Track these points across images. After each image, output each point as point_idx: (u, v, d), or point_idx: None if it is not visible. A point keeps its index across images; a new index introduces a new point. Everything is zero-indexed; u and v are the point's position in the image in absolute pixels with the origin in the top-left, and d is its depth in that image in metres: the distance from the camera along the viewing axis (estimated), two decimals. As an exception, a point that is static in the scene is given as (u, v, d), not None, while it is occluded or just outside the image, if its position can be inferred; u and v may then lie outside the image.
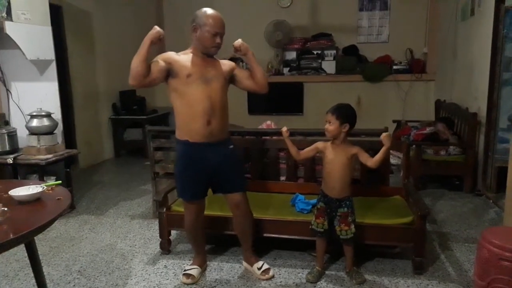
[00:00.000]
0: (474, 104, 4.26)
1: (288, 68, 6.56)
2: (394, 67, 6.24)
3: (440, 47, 5.86)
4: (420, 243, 2.50)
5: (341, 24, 6.45)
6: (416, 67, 6.16)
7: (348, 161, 2.34)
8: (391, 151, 3.14)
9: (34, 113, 3.53)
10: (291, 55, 6.60)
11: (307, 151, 2.46)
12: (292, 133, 3.39)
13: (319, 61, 6.45)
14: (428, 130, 4.45)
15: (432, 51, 6.10)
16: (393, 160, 3.84)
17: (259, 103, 6.56)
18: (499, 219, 3.37)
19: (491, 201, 3.80)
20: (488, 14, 3.94)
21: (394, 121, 5.60)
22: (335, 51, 6.41)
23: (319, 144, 2.42)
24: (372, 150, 3.07)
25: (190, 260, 2.77)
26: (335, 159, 2.34)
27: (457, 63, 4.97)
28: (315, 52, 6.48)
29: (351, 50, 6.41)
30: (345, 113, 2.31)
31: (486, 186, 3.99)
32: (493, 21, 3.85)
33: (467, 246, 2.92)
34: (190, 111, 2.26)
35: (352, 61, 6.35)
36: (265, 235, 2.68)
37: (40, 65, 3.72)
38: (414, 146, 4.11)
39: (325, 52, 6.44)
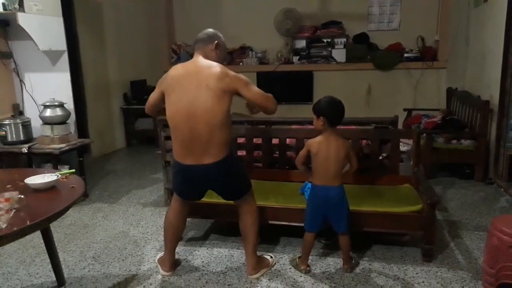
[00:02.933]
0: (486, 92, 4.21)
1: (298, 57, 6.52)
2: (405, 55, 6.16)
3: (452, 35, 5.76)
4: (429, 230, 2.50)
5: (351, 11, 6.38)
6: (427, 54, 6.08)
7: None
8: (401, 139, 3.14)
9: (47, 103, 3.59)
10: (301, 43, 6.55)
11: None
12: (301, 122, 3.42)
13: (329, 49, 6.39)
14: (436, 119, 4.42)
15: (444, 38, 6.00)
16: (403, 147, 3.82)
17: (269, 92, 6.49)
18: (510, 208, 3.36)
19: (502, 189, 3.78)
20: (502, 0, 3.87)
21: (405, 110, 5.56)
22: (345, 39, 6.35)
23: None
24: (380, 140, 3.11)
25: (201, 246, 2.83)
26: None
27: (469, 50, 4.90)
28: (325, 40, 6.43)
29: (362, 38, 6.34)
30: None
31: (497, 174, 3.96)
32: (506, 7, 3.77)
33: (477, 234, 2.92)
34: None
35: (362, 49, 6.29)
36: (275, 222, 2.71)
37: (52, 56, 3.77)
38: (424, 134, 4.09)
39: (335, 40, 6.38)
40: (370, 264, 2.56)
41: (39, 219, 1.70)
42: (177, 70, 2.26)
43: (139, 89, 6.05)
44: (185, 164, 2.22)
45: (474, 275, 2.41)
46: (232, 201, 2.43)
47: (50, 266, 2.37)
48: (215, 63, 2.22)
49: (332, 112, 2.31)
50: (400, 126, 4.36)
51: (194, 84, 2.15)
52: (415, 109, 5.65)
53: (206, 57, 2.27)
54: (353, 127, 3.14)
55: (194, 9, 6.86)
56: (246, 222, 2.40)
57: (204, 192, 2.42)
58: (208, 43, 2.29)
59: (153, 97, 2.38)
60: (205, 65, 2.20)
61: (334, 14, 6.44)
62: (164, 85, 2.27)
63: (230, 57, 6.57)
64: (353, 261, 2.54)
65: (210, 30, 2.35)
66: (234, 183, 2.33)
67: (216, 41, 2.30)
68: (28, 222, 1.66)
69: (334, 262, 2.58)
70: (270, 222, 2.71)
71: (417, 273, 2.44)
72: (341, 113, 2.33)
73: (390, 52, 6.23)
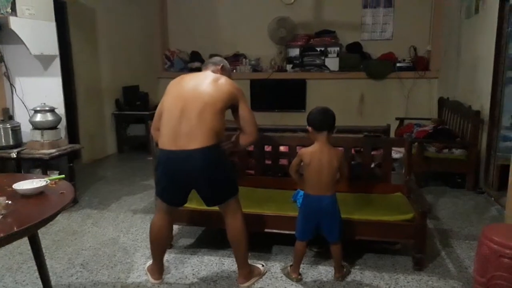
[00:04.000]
0: (477, 102, 4.26)
1: (291, 65, 6.55)
2: (398, 64, 6.22)
3: (444, 45, 5.84)
4: (420, 239, 2.51)
5: (344, 21, 6.44)
6: (419, 64, 6.14)
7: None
8: (393, 147, 3.15)
9: (38, 108, 3.56)
10: (295, 52, 6.59)
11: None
12: (294, 130, 3.42)
13: (323, 58, 6.43)
14: (427, 128, 4.45)
15: (436, 48, 6.07)
16: (395, 155, 3.84)
17: (262, 100, 6.55)
18: (500, 217, 3.37)
19: (492, 198, 3.81)
20: (493, 12, 3.93)
21: (397, 119, 5.60)
22: (338, 48, 6.40)
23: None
24: (373, 148, 3.13)
25: (191, 254, 2.80)
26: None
27: (461, 61, 4.96)
28: (318, 49, 6.46)
29: (355, 47, 6.40)
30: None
31: (488, 184, 3.99)
32: (497, 19, 3.83)
33: (468, 243, 2.93)
34: None
35: (355, 58, 6.34)
36: (266, 230, 2.70)
37: (44, 61, 3.74)
38: (416, 143, 4.11)
39: (329, 49, 6.42)
40: (361, 273, 2.55)
41: (26, 225, 1.67)
42: (184, 75, 2.40)
43: (132, 95, 6.02)
44: (168, 150, 2.15)
45: (465, 284, 2.41)
46: (216, 207, 2.36)
47: (37, 273, 2.32)
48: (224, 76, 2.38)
49: (316, 116, 2.34)
50: (392, 135, 4.39)
51: (201, 79, 2.29)
52: (407, 118, 5.69)
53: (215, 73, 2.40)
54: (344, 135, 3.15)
55: (188, 15, 6.87)
56: (233, 231, 2.33)
57: (187, 193, 2.33)
58: (216, 65, 2.47)
59: (158, 108, 2.33)
60: (215, 74, 2.36)
61: (328, 23, 6.49)
62: (168, 88, 2.34)
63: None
64: (345, 270, 2.53)
65: (218, 57, 2.66)
66: (218, 180, 2.20)
67: (222, 64, 2.48)
68: (15, 228, 1.63)
69: (325, 271, 2.56)
70: (262, 230, 2.69)
71: (408, 282, 2.44)
72: (327, 117, 2.34)
73: (383, 62, 6.28)
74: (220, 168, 2.21)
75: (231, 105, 2.26)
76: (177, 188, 2.28)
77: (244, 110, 2.30)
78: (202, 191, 2.28)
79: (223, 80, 2.28)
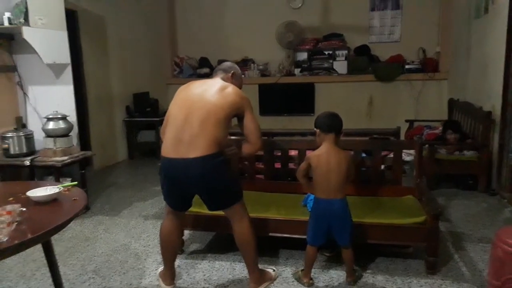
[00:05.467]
0: (488, 103, 4.21)
1: (299, 69, 6.56)
2: (407, 66, 6.20)
3: (453, 46, 5.80)
4: (433, 242, 2.48)
5: (352, 24, 6.44)
6: (428, 66, 6.10)
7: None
8: (403, 150, 3.13)
9: (50, 116, 3.61)
10: (303, 55, 6.60)
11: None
12: (303, 133, 3.42)
13: (331, 61, 6.44)
14: (438, 131, 4.42)
15: (445, 49, 6.04)
16: (406, 157, 3.81)
17: (271, 104, 6.58)
18: (514, 219, 3.33)
19: (505, 200, 3.75)
20: (502, 11, 3.89)
21: (406, 121, 5.56)
22: (346, 51, 6.40)
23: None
24: (385, 149, 3.11)
25: (202, 259, 2.81)
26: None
27: (471, 61, 4.91)
28: (326, 53, 6.48)
29: (363, 50, 6.38)
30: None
31: (500, 185, 3.94)
32: (507, 18, 3.79)
33: (481, 246, 2.89)
34: None
35: (363, 61, 6.32)
36: (276, 235, 2.69)
37: (56, 69, 3.80)
38: (427, 145, 4.08)
39: (337, 52, 6.43)
40: (373, 277, 2.53)
41: (40, 232, 1.69)
42: (193, 81, 2.41)
43: (142, 102, 6.08)
44: (169, 157, 2.17)
45: (479, 287, 2.38)
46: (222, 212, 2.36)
47: (50, 280, 2.34)
48: (232, 84, 2.36)
49: (324, 119, 2.38)
50: (402, 137, 4.36)
51: (207, 86, 2.28)
52: (417, 120, 5.65)
53: (224, 81, 2.39)
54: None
55: (196, 22, 6.93)
56: (240, 236, 2.32)
57: (190, 198, 2.35)
58: (226, 72, 2.45)
59: (166, 114, 2.36)
60: (223, 82, 2.34)
61: (336, 26, 6.49)
62: (176, 94, 2.35)
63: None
64: (357, 274, 2.51)
65: (229, 62, 2.57)
66: (220, 186, 2.21)
67: (232, 71, 2.46)
68: (29, 235, 1.64)
69: (337, 275, 2.55)
70: (272, 234, 2.69)
71: (421, 286, 2.41)
72: (334, 119, 2.37)
73: (392, 64, 6.26)
74: (220, 177, 2.20)
75: (236, 114, 2.26)
76: (179, 194, 2.31)
77: (248, 120, 2.27)
78: (203, 197, 2.31)
79: (230, 89, 2.26)
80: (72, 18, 4.76)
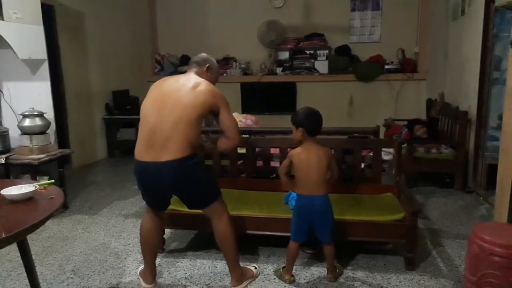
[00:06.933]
0: (464, 103, 4.31)
1: (281, 68, 6.58)
2: (386, 66, 6.29)
3: (431, 47, 5.91)
4: (411, 239, 2.53)
5: (333, 24, 6.49)
6: (407, 66, 6.21)
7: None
8: (383, 148, 3.18)
9: (27, 113, 3.51)
10: (284, 55, 6.63)
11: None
12: (285, 132, 3.43)
13: (312, 61, 6.48)
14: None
15: (424, 50, 6.15)
16: (385, 156, 3.88)
17: (253, 103, 6.57)
18: (489, 216, 3.41)
19: (481, 198, 3.85)
20: (478, 13, 3.99)
21: (386, 120, 5.63)
22: (327, 51, 6.45)
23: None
24: (364, 148, 3.15)
25: (183, 258, 2.78)
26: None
27: (448, 62, 5.02)
28: (308, 52, 6.51)
29: (344, 50, 6.45)
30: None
31: (476, 183, 4.04)
32: (483, 20, 3.90)
33: (458, 242, 2.96)
34: None
35: (344, 61, 6.39)
36: (258, 232, 2.69)
37: (32, 65, 3.70)
38: (405, 144, 4.15)
39: (318, 52, 6.47)
40: (353, 273, 2.56)
41: (15, 231, 1.64)
42: (167, 77, 2.35)
43: (122, 99, 5.99)
44: (142, 161, 2.15)
45: (456, 282, 2.44)
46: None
47: (26, 280, 2.28)
48: (206, 80, 2.27)
49: (310, 122, 2.35)
50: (381, 136, 4.42)
51: (180, 85, 2.21)
52: (396, 119, 5.73)
53: (199, 76, 2.32)
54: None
55: (177, 19, 6.87)
56: (220, 234, 2.32)
57: (167, 199, 2.34)
58: (201, 66, 2.35)
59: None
60: (196, 78, 2.26)
61: (317, 26, 6.54)
62: (149, 90, 2.29)
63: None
64: (337, 270, 2.53)
65: (204, 54, 2.42)
66: (195, 188, 2.19)
67: (208, 65, 2.36)
68: (3, 234, 1.60)
69: (318, 272, 2.57)
70: (254, 232, 2.69)
71: (400, 282, 2.45)
72: (319, 123, 2.38)
73: (372, 64, 6.34)
74: (193, 179, 2.16)
75: (211, 111, 2.22)
76: (155, 195, 2.29)
77: (224, 116, 2.22)
78: (180, 198, 2.30)
79: (202, 87, 2.18)
80: (49, 13, 4.65)
